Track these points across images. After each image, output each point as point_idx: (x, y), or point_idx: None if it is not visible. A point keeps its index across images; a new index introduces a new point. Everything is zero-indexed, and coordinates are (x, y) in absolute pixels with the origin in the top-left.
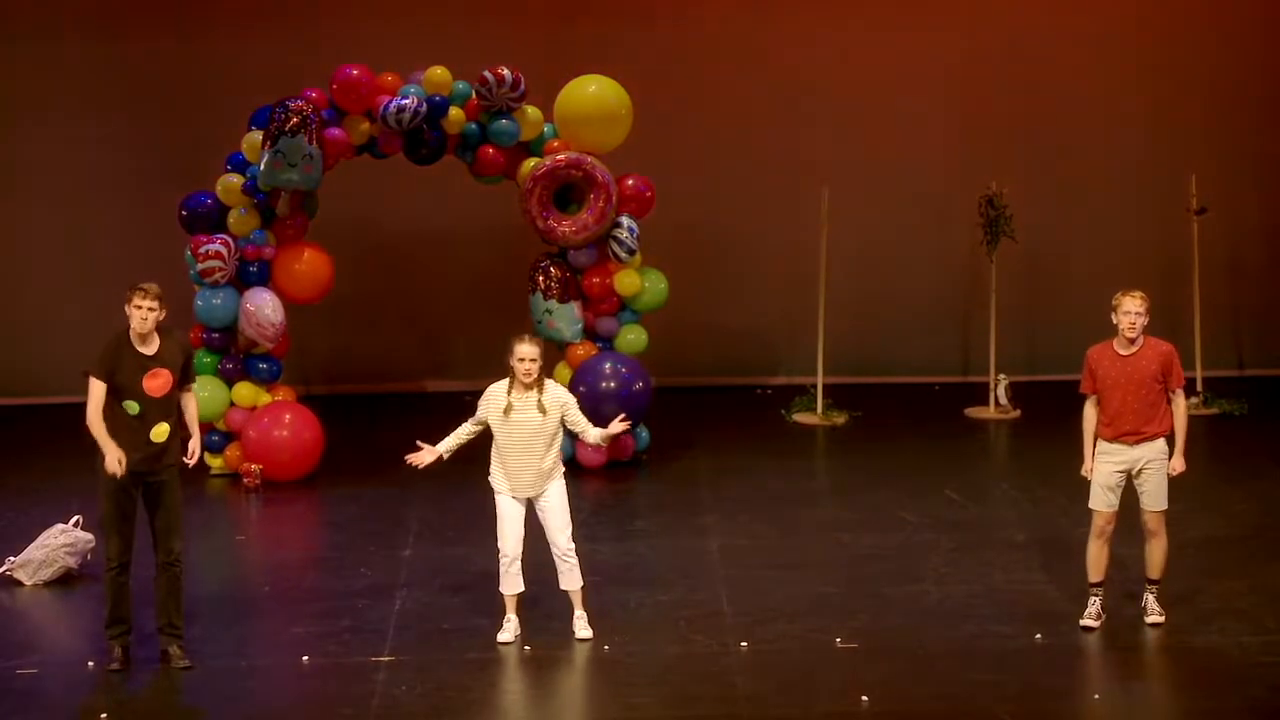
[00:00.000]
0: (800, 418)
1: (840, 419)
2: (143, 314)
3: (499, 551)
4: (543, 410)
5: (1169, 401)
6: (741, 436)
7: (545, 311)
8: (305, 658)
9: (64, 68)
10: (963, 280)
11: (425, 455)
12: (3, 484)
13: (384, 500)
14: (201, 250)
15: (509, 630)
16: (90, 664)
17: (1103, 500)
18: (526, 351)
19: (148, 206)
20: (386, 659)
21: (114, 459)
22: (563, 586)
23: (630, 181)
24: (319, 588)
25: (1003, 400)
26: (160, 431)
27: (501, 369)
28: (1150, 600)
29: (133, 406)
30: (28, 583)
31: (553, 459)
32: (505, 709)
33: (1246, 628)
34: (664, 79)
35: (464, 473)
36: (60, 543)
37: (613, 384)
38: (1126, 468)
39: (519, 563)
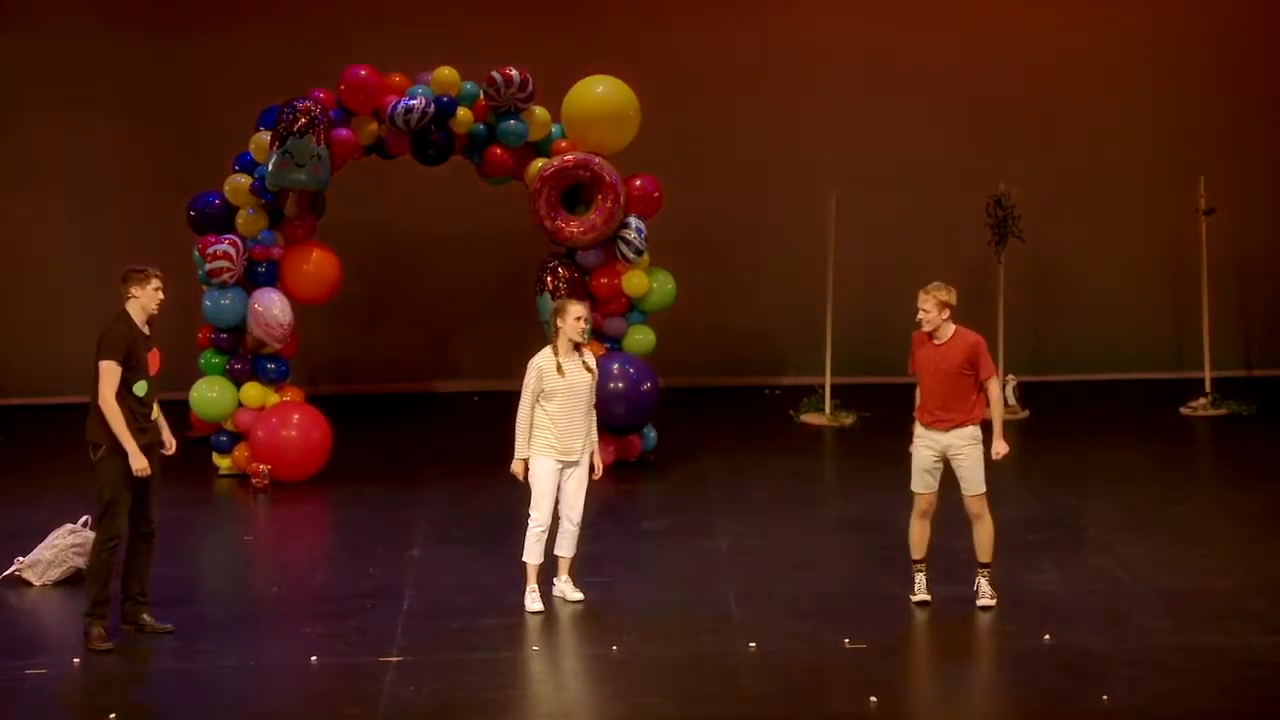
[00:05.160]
0: (808, 418)
1: (848, 420)
2: (160, 295)
3: (530, 519)
4: (589, 369)
5: (982, 391)
6: (749, 437)
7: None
8: (313, 658)
9: (75, 68)
10: (970, 281)
11: (517, 467)
12: (12, 483)
13: (392, 500)
14: (210, 250)
15: (536, 601)
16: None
17: (920, 482)
18: (582, 310)
19: (157, 206)
20: (395, 659)
21: (142, 463)
22: (559, 551)
23: (638, 182)
24: (327, 588)
25: (1011, 401)
26: (155, 407)
27: (509, 368)
28: (982, 584)
29: (141, 387)
30: (36, 583)
31: (592, 420)
32: (513, 709)
33: (1255, 628)
34: (672, 79)
35: (472, 473)
36: (69, 543)
37: (621, 384)
38: (940, 453)
39: (547, 531)
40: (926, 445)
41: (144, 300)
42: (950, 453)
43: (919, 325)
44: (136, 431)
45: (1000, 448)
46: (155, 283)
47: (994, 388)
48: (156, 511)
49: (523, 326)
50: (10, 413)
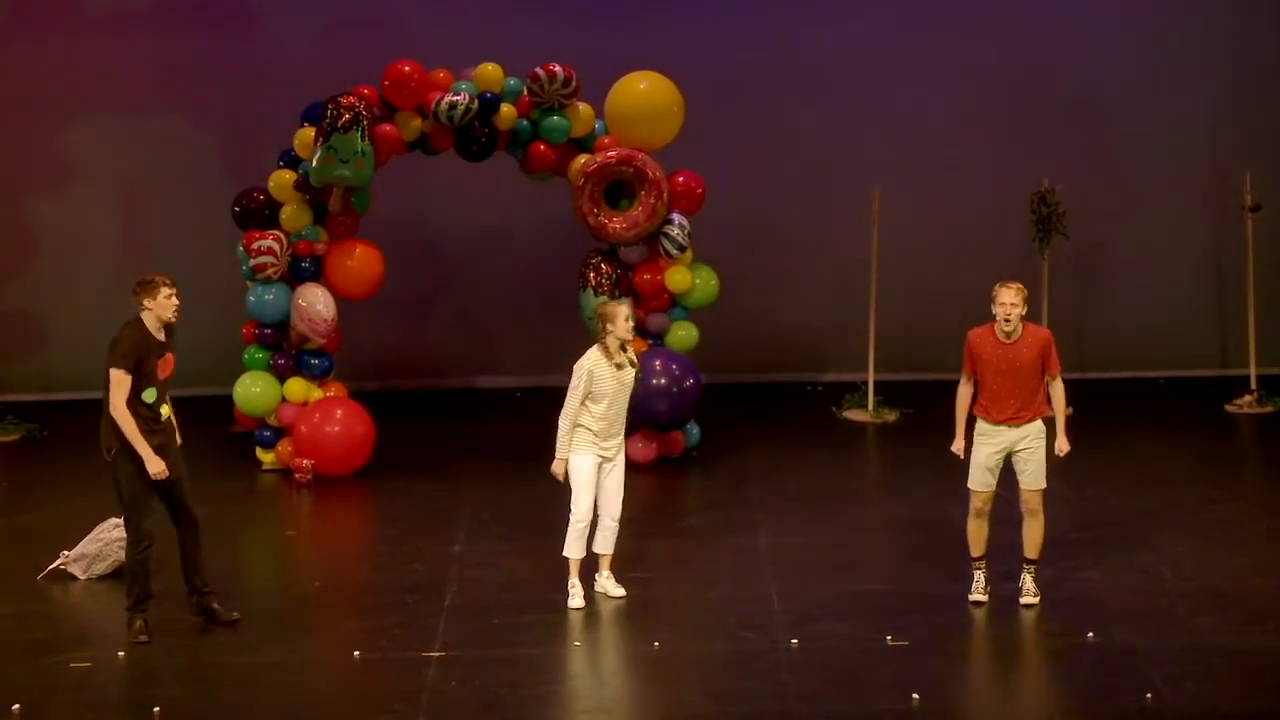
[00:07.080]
0: (851, 414)
1: (891, 416)
2: (175, 303)
3: (570, 515)
4: (634, 364)
5: (1046, 386)
6: (792, 433)
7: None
8: (356, 653)
9: (118, 64)
10: (1014, 278)
11: (559, 468)
12: (58, 477)
13: (435, 496)
14: (254, 246)
15: (578, 596)
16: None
17: (982, 480)
18: (630, 312)
19: (201, 202)
20: (437, 654)
21: (158, 467)
22: (599, 548)
23: (681, 178)
24: (370, 583)
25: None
26: (167, 409)
27: (551, 365)
28: (1027, 581)
29: (150, 394)
30: (81, 576)
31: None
32: (555, 705)
33: None
34: (715, 76)
35: (514, 469)
36: (114, 536)
37: (663, 380)
38: (1005, 449)
39: (589, 526)
40: (992, 442)
41: (158, 310)
42: (1018, 447)
43: (1006, 322)
44: (145, 434)
45: (1064, 444)
46: (165, 291)
47: (1059, 385)
48: (195, 506)
49: (565, 322)
50: (56, 407)
